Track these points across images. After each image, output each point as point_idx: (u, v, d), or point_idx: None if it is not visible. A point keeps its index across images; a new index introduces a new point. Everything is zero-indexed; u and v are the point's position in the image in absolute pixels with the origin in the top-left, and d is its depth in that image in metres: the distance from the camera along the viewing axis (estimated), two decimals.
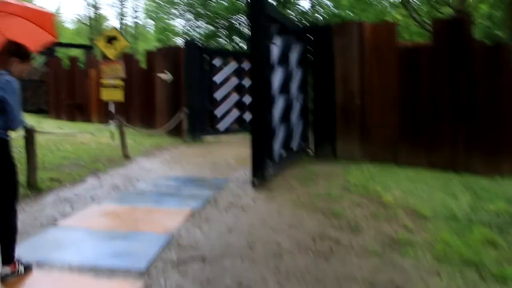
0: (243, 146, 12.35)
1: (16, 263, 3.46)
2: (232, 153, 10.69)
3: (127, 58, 15.29)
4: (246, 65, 14.61)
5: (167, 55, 13.46)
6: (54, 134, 11.45)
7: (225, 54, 14.66)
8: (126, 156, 9.39)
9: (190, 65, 12.60)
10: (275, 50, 7.70)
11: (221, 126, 13.88)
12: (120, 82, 11.06)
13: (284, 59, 8.23)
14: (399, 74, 9.15)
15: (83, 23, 44.81)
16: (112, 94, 11.09)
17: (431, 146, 8.91)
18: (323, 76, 9.80)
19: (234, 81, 14.29)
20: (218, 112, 13.67)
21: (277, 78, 7.83)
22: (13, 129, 3.44)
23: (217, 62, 13.78)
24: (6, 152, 3.43)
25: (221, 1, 22.53)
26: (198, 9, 23.59)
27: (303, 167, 8.54)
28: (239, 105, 14.39)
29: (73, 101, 17.30)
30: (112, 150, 10.00)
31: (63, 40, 27.14)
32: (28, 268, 3.57)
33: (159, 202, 6.05)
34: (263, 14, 6.75)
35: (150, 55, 14.62)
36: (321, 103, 9.81)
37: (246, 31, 24.42)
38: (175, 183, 7.21)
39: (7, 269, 3.40)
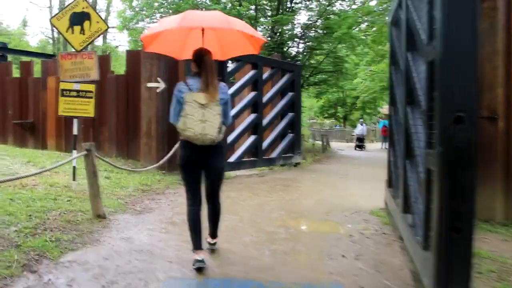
0: (280, 189, 8.21)
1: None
2: (275, 202, 6.62)
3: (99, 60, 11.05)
4: (266, 74, 10.73)
5: (159, 55, 9.27)
6: None
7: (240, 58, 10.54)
8: (99, 215, 5.16)
9: None
10: None
11: (232, 157, 9.76)
12: (91, 87, 6.84)
13: None
14: None
15: (48, 37, 40.26)
16: (77, 107, 6.82)
17: None
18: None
19: (249, 95, 10.28)
20: (229, 138, 9.56)
21: None
22: (228, 126, 4.00)
23: (229, 68, 9.75)
24: (224, 147, 4.09)
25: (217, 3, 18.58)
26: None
27: None
28: (255, 128, 10.35)
29: (23, 119, 12.79)
30: (73, 201, 5.75)
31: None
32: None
33: None
34: None
35: (132, 56, 10.39)
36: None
37: None
38: None
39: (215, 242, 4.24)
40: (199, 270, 3.63)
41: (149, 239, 4.54)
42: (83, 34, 6.78)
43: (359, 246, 4.56)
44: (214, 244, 4.23)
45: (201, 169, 3.85)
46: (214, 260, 3.95)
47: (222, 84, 3.84)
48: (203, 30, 4.00)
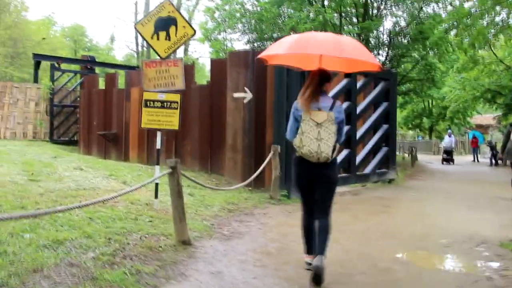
0: (380, 210, 7.03)
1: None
2: (380, 227, 5.76)
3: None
4: (359, 83, 9.86)
5: (246, 64, 8.69)
6: (61, 181, 6.84)
7: None
8: (184, 241, 4.54)
9: (285, 78, 7.87)
10: None
11: None
12: (177, 98, 6.31)
13: None
14: None
15: (133, 50, 41.55)
16: (161, 119, 6.31)
17: None
18: None
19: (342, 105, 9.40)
20: None
21: None
22: (340, 143, 4.01)
23: None
24: (337, 163, 4.04)
25: (297, 13, 17.85)
26: (263, 26, 18.97)
27: None
28: (348, 141, 9.45)
29: (107, 131, 12.76)
30: (155, 222, 5.21)
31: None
32: None
33: None
34: None
35: (217, 65, 9.90)
36: None
37: None
38: None
39: (322, 260, 3.67)
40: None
41: (242, 275, 3.83)
42: (169, 40, 6.28)
43: None
44: (320, 268, 3.62)
45: (315, 184, 3.94)
46: None
47: (338, 103, 3.95)
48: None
